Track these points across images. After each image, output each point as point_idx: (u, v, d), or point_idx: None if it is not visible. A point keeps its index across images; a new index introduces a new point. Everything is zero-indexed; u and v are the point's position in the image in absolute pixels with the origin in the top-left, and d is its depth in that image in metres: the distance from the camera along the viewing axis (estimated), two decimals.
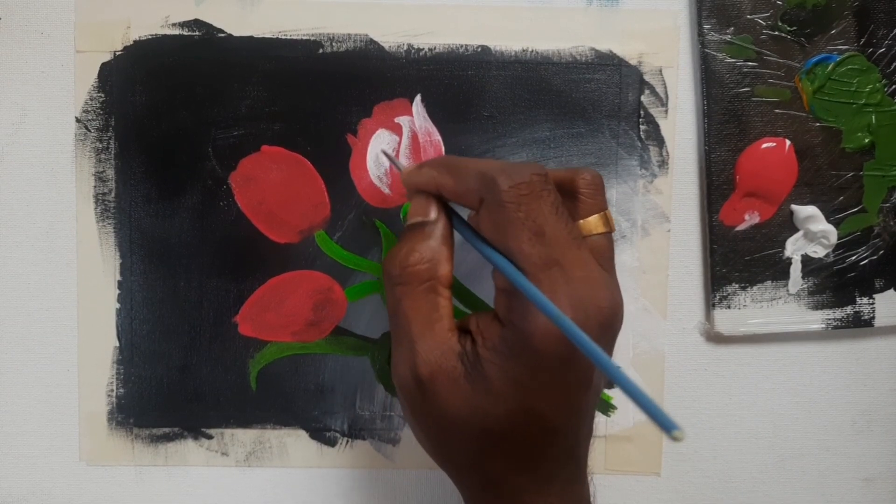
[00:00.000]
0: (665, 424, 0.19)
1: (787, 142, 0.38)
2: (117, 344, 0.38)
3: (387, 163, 0.38)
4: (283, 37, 0.37)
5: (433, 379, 0.27)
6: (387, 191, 0.38)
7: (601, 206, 0.30)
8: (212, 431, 0.39)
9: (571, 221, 0.27)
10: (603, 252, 0.29)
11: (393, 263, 0.29)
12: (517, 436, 0.27)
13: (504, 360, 0.26)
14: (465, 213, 0.30)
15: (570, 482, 0.29)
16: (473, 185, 0.27)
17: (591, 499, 0.31)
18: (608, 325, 0.27)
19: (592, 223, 0.29)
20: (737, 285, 0.39)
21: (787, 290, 0.39)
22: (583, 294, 0.25)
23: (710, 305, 0.39)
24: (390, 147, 0.38)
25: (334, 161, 0.38)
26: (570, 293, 0.25)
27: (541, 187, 0.27)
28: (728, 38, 0.38)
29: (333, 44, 0.38)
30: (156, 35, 0.37)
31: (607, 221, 0.30)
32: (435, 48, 0.38)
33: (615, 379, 0.21)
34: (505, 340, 0.26)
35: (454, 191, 0.29)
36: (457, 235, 0.30)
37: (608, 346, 0.28)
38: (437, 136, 0.38)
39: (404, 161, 0.38)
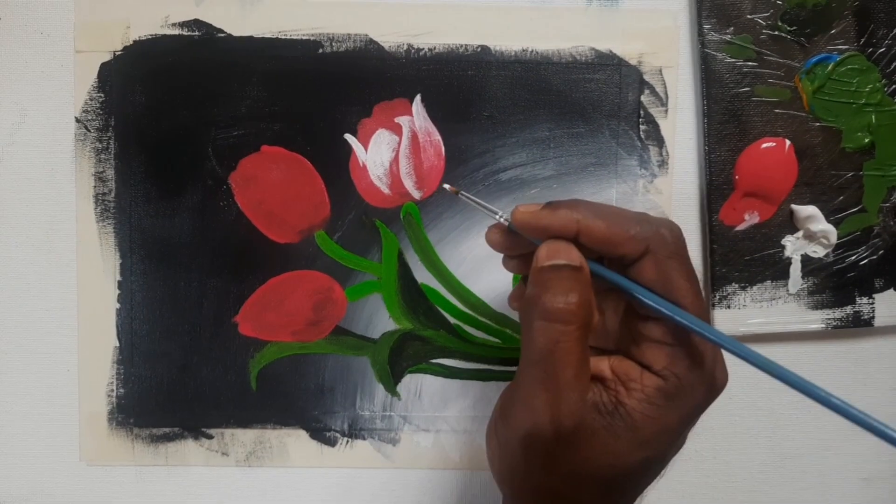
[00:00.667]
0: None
1: (787, 142, 0.38)
2: (117, 344, 0.38)
3: (386, 163, 0.38)
4: (283, 37, 0.37)
5: (576, 431, 0.26)
6: (386, 191, 0.38)
7: None
8: (212, 431, 0.39)
9: None
10: None
11: (556, 299, 0.26)
12: (636, 479, 0.28)
13: (659, 411, 0.26)
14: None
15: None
16: (636, 232, 0.27)
17: None
18: None
19: None
20: (736, 285, 0.39)
21: (787, 290, 0.39)
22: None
23: (709, 305, 0.39)
24: (390, 147, 0.38)
25: (334, 161, 0.38)
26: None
27: (685, 241, 0.27)
28: (728, 37, 0.38)
29: (333, 44, 0.38)
30: (156, 35, 0.37)
31: None
32: (435, 48, 0.38)
33: (819, 399, 0.25)
34: (663, 392, 0.26)
35: (607, 235, 0.27)
36: None
37: None
38: (437, 136, 0.38)
39: (404, 163, 0.38)
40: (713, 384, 0.26)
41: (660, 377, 0.26)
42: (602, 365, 0.28)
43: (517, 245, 0.29)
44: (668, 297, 0.26)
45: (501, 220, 0.29)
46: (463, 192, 0.31)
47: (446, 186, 0.32)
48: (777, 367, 0.25)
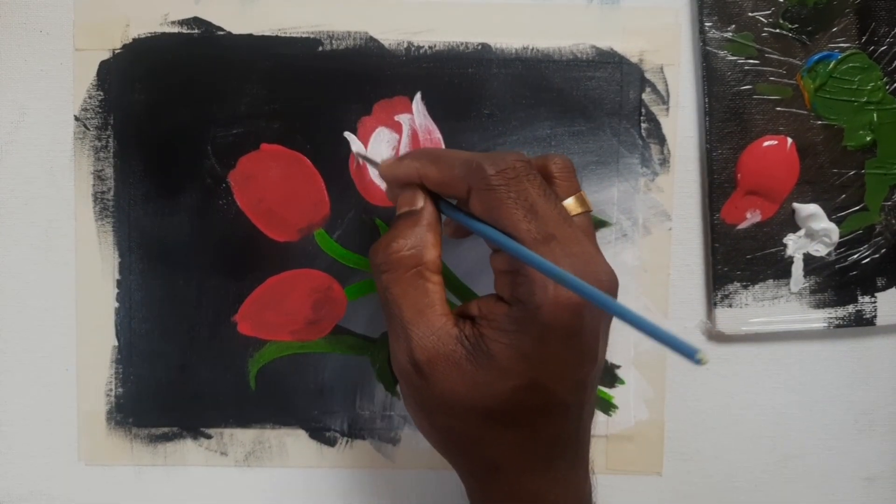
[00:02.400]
0: (686, 351, 0.20)
1: (789, 140, 0.38)
2: (116, 343, 0.38)
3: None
4: (283, 34, 0.37)
5: (431, 363, 0.28)
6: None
7: (575, 188, 0.30)
8: (211, 431, 0.39)
9: (559, 202, 0.28)
10: (587, 231, 0.30)
11: (377, 252, 0.29)
12: (521, 412, 0.28)
13: (510, 336, 0.27)
14: None
15: (572, 466, 0.30)
16: (459, 173, 0.28)
17: (593, 493, 0.31)
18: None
19: (571, 205, 0.30)
20: (738, 284, 0.38)
21: (789, 289, 0.39)
22: (581, 268, 0.26)
23: (711, 304, 0.39)
24: (390, 146, 0.38)
25: (334, 159, 0.38)
26: (570, 267, 0.26)
27: (526, 171, 0.28)
28: (729, 35, 0.37)
29: (333, 41, 0.37)
30: (155, 33, 0.37)
31: (584, 202, 0.30)
32: (435, 46, 0.38)
33: (629, 319, 0.22)
34: (511, 317, 0.27)
35: (439, 180, 0.29)
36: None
37: (608, 319, 0.29)
38: (438, 134, 0.38)
39: None
40: (558, 300, 0.26)
41: (507, 304, 0.27)
42: (472, 304, 0.29)
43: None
44: (497, 226, 0.27)
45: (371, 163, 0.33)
46: (361, 153, 0.35)
47: (353, 147, 0.35)
48: (571, 279, 0.24)
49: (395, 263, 0.29)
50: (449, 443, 0.30)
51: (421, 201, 0.30)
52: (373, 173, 0.38)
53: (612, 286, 0.27)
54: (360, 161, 0.34)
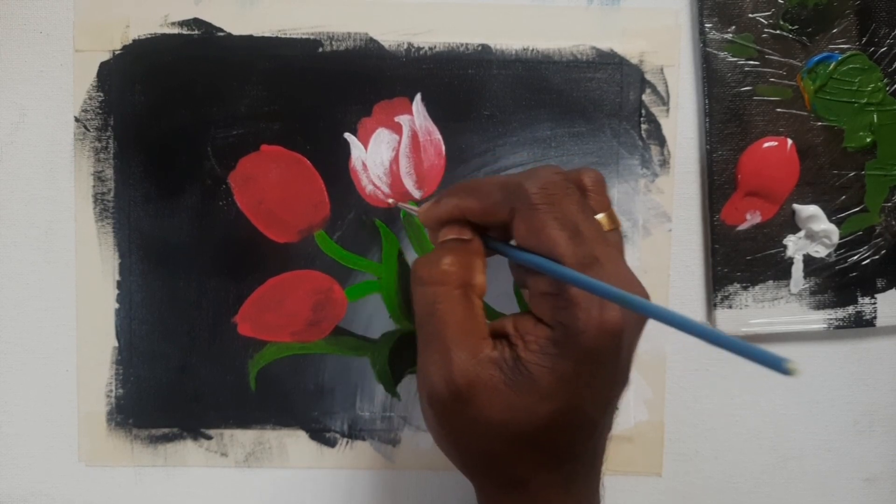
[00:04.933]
0: (775, 363, 0.19)
1: (789, 141, 0.38)
2: (116, 344, 0.38)
3: (386, 162, 0.38)
4: (283, 35, 0.37)
5: (472, 388, 0.27)
6: (386, 190, 0.38)
7: (607, 204, 0.30)
8: (211, 432, 0.39)
9: (595, 219, 0.28)
10: (621, 250, 0.30)
11: (425, 265, 0.28)
12: (555, 433, 0.27)
13: (552, 360, 0.26)
14: None
15: (591, 477, 0.30)
16: (500, 198, 0.28)
17: (601, 497, 0.31)
18: (644, 318, 0.28)
19: (603, 221, 0.29)
20: (738, 285, 0.38)
21: (789, 290, 0.39)
22: (626, 290, 0.26)
23: (711, 305, 0.39)
24: (390, 147, 0.38)
25: (334, 160, 0.38)
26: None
27: (564, 186, 0.27)
28: (729, 36, 0.37)
29: (333, 42, 0.37)
30: (155, 34, 0.37)
31: (614, 219, 0.30)
32: (435, 47, 0.38)
33: (715, 340, 0.22)
34: (553, 341, 0.26)
35: (481, 210, 0.29)
36: None
37: (637, 340, 0.29)
38: (438, 135, 0.38)
39: (404, 162, 0.38)
40: (602, 325, 0.26)
41: (549, 327, 0.27)
42: (507, 322, 0.28)
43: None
44: (541, 248, 0.27)
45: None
46: (401, 204, 0.33)
47: (389, 201, 0.33)
48: (645, 304, 0.24)
49: (445, 278, 0.28)
50: (476, 465, 0.29)
51: (468, 233, 0.29)
52: (373, 177, 0.38)
53: None
54: (399, 206, 0.34)
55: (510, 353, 0.27)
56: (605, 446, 0.30)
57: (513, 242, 0.29)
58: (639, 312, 0.24)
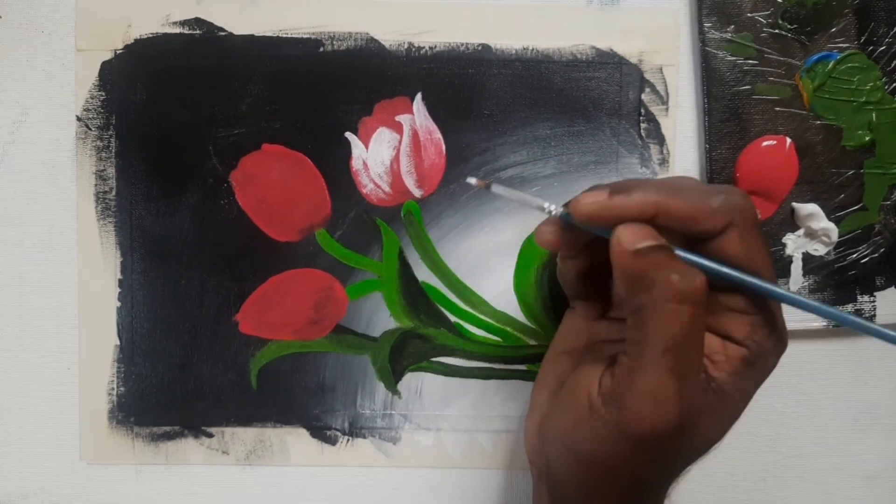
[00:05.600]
0: None
1: (788, 140, 0.38)
2: (118, 342, 0.38)
3: (387, 161, 0.38)
4: (284, 35, 0.37)
5: (695, 421, 0.25)
6: (387, 189, 0.38)
7: None
8: (212, 430, 0.39)
9: None
10: None
11: (685, 279, 0.24)
12: (703, 453, 0.28)
13: (743, 380, 0.26)
14: None
15: None
16: (717, 206, 0.25)
17: None
18: None
19: None
20: None
21: (788, 288, 0.39)
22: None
23: None
24: (391, 146, 0.38)
25: (335, 159, 0.38)
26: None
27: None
28: (728, 36, 0.38)
29: (334, 42, 0.38)
30: (157, 33, 0.37)
31: None
32: (435, 46, 0.38)
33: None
34: (747, 361, 0.26)
35: (688, 213, 0.25)
36: None
37: None
38: (438, 135, 0.38)
39: (405, 161, 0.38)
40: (783, 346, 0.27)
41: (743, 346, 0.26)
42: None
43: (575, 240, 0.27)
44: (751, 267, 0.26)
45: (554, 213, 0.26)
46: (496, 184, 0.27)
47: (472, 181, 0.28)
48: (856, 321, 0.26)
49: (703, 295, 0.24)
50: (616, 488, 0.27)
51: (663, 239, 0.25)
52: (374, 176, 0.38)
53: None
54: (493, 188, 0.28)
55: (705, 374, 0.26)
56: None
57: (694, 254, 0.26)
58: (853, 328, 0.27)
